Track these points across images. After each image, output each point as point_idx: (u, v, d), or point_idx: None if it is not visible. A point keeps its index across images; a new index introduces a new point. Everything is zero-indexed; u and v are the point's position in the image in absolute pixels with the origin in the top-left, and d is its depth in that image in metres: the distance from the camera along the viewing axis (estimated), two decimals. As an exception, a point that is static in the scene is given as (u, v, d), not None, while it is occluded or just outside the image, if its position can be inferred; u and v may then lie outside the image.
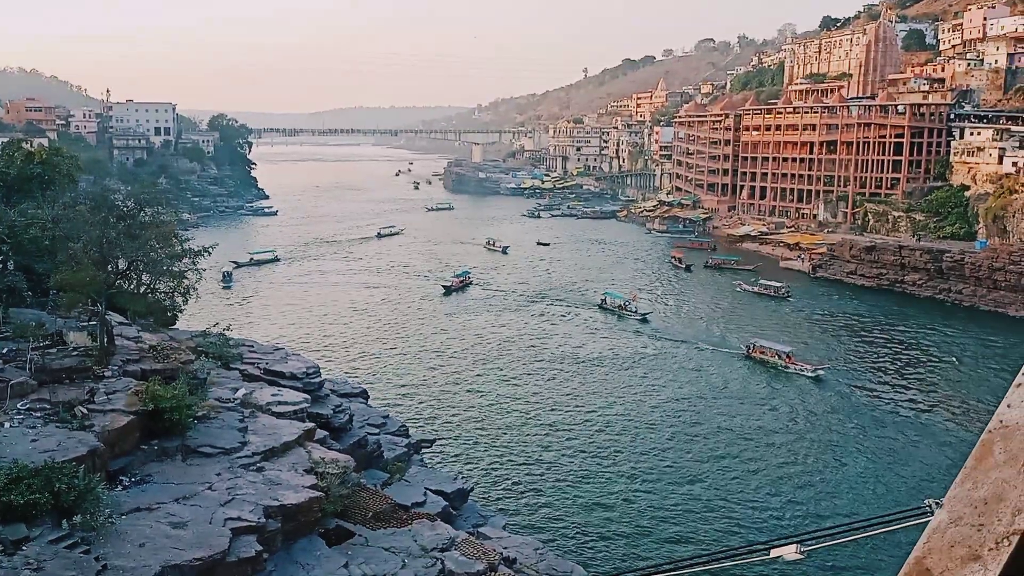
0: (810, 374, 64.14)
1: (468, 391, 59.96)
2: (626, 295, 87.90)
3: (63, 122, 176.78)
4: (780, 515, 41.61)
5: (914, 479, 45.72)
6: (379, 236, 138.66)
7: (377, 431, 38.30)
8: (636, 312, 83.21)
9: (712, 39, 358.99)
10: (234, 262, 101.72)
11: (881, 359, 70.34)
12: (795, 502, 43.27)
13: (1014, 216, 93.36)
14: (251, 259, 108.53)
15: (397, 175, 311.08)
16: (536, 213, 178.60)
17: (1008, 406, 2.54)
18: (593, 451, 49.32)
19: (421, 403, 57.29)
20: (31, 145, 53.13)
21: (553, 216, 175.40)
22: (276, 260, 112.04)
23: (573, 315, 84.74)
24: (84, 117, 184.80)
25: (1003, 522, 2.26)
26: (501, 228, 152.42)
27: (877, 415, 56.60)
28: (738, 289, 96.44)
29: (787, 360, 66.04)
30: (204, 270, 39.25)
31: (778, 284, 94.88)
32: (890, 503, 40.40)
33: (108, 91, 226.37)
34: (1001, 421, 2.50)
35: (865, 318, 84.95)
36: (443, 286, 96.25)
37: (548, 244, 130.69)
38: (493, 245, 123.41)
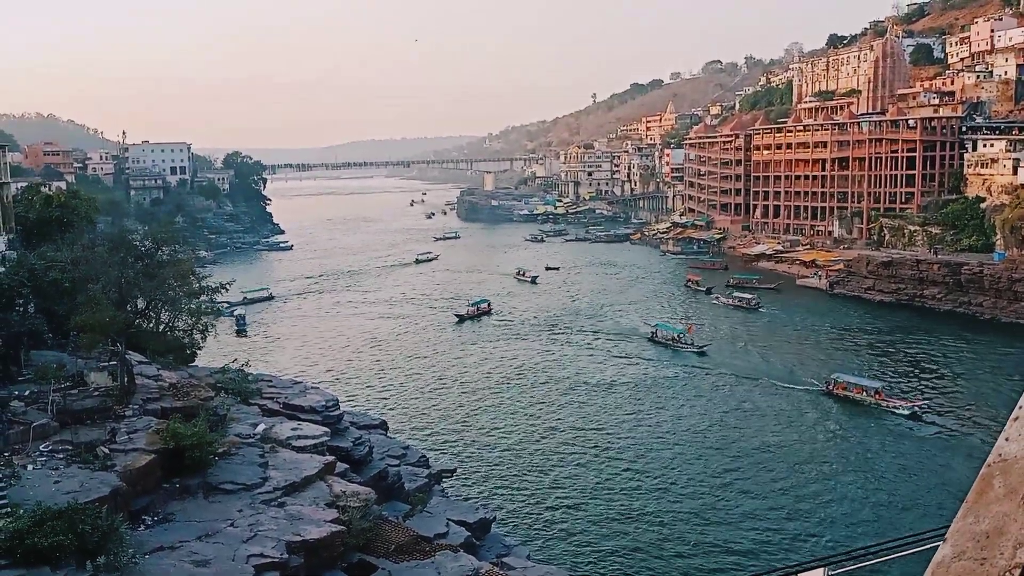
0: (904, 412, 58.17)
1: (490, 421, 59.66)
2: (680, 326, 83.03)
3: (80, 165, 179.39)
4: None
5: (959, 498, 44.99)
6: (416, 262, 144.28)
7: (397, 462, 38.19)
8: (692, 345, 77.70)
9: (719, 60, 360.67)
10: (228, 303, 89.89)
11: (906, 377, 69.52)
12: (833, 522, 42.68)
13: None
14: (244, 298, 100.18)
15: (411, 205, 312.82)
16: (540, 238, 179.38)
17: (1007, 439, 2.55)
18: (637, 487, 48.01)
19: (441, 433, 57.12)
20: (49, 189, 53.94)
21: (566, 241, 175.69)
22: (271, 299, 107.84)
23: (618, 348, 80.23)
24: (101, 159, 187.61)
25: (1005, 556, 2.27)
26: (509, 255, 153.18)
27: (921, 435, 55.34)
28: (714, 302, 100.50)
29: (877, 397, 60.27)
30: (225, 306, 39.51)
31: (749, 296, 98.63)
32: (924, 523, 39.73)
33: (124, 133, 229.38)
34: (1000, 455, 2.51)
35: (886, 334, 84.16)
36: (456, 315, 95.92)
37: (557, 268, 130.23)
38: (523, 275, 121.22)
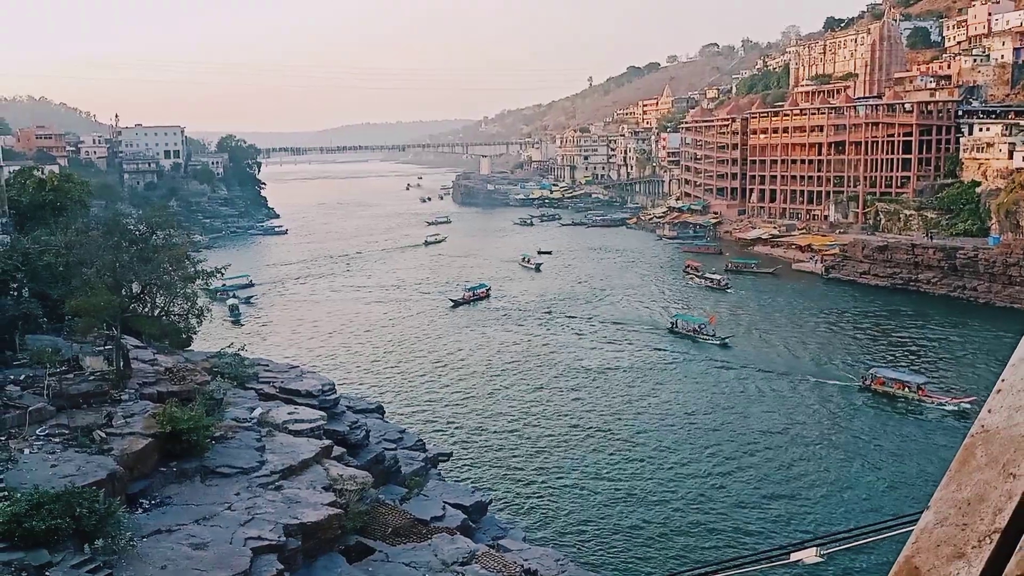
0: (952, 408, 55.17)
1: (487, 406, 59.76)
2: (702, 317, 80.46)
3: (73, 148, 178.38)
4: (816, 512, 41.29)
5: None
6: (426, 243, 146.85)
7: (394, 446, 38.36)
8: (714, 336, 75.31)
9: (716, 44, 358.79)
10: (225, 288, 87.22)
11: (903, 359, 69.81)
12: (822, 504, 42.97)
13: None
14: (223, 284, 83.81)
15: (407, 189, 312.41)
16: (529, 221, 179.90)
17: (989, 411, 2.67)
18: (641, 471, 47.79)
19: (438, 417, 57.28)
20: (42, 172, 53.68)
21: (562, 225, 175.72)
22: (250, 285, 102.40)
23: (627, 336, 78.17)
24: (94, 143, 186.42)
25: (985, 521, 2.40)
26: (505, 239, 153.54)
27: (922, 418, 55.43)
28: (689, 282, 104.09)
29: (920, 392, 57.50)
30: (221, 291, 39.37)
31: (719, 276, 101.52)
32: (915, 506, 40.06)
33: (117, 116, 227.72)
34: (983, 426, 2.62)
35: (883, 319, 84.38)
36: (451, 299, 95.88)
37: (550, 253, 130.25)
38: (528, 262, 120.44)
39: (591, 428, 54.54)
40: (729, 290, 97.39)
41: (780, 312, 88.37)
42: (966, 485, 2.43)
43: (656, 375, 66.57)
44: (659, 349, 74.29)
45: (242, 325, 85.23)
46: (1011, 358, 2.73)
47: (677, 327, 78.98)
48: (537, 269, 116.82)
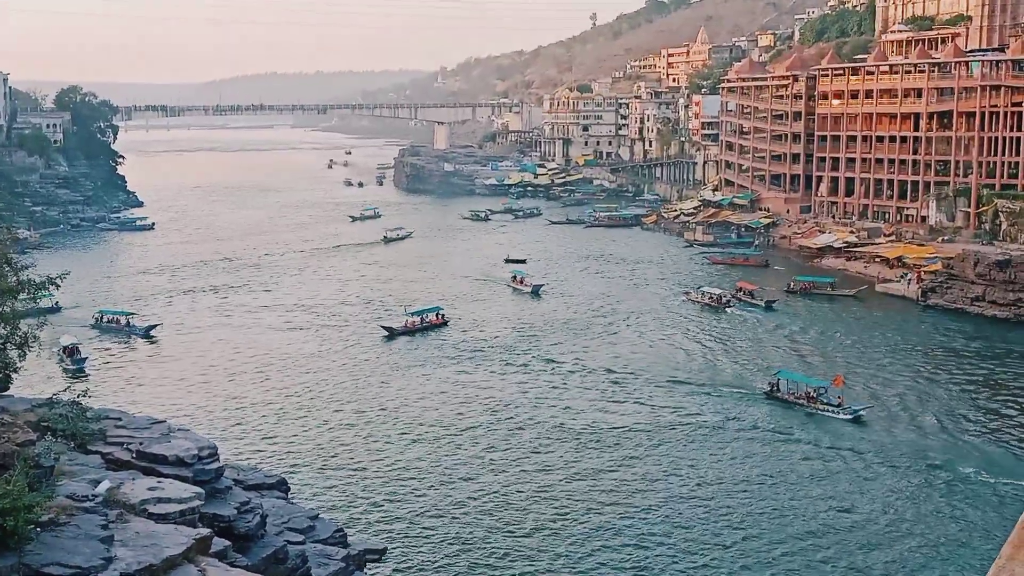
0: None
1: (440, 483, 59.53)
2: (819, 378, 76.16)
3: None
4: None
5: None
6: (386, 240, 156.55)
7: (302, 538, 38.16)
8: (839, 406, 70.79)
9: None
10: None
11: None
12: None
13: None
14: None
15: (330, 167, 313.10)
16: (484, 216, 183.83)
17: None
18: None
19: (365, 498, 57.05)
20: None
21: (552, 223, 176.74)
22: (57, 310, 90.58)
23: (703, 403, 74.12)
24: None
25: None
26: (468, 244, 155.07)
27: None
28: (683, 298, 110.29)
29: None
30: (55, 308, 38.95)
31: (719, 292, 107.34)
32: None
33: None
34: None
35: (1005, 367, 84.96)
36: (384, 328, 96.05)
37: (523, 262, 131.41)
38: (520, 283, 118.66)
39: (608, 527, 54.56)
40: (729, 309, 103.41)
41: (894, 357, 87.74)
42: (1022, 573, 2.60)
43: (756, 476, 60.38)
44: (757, 431, 68.55)
45: (87, 375, 79.13)
46: None
47: (779, 390, 74.99)
48: (535, 294, 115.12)
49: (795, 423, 69.80)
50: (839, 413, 70.17)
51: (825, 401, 71.77)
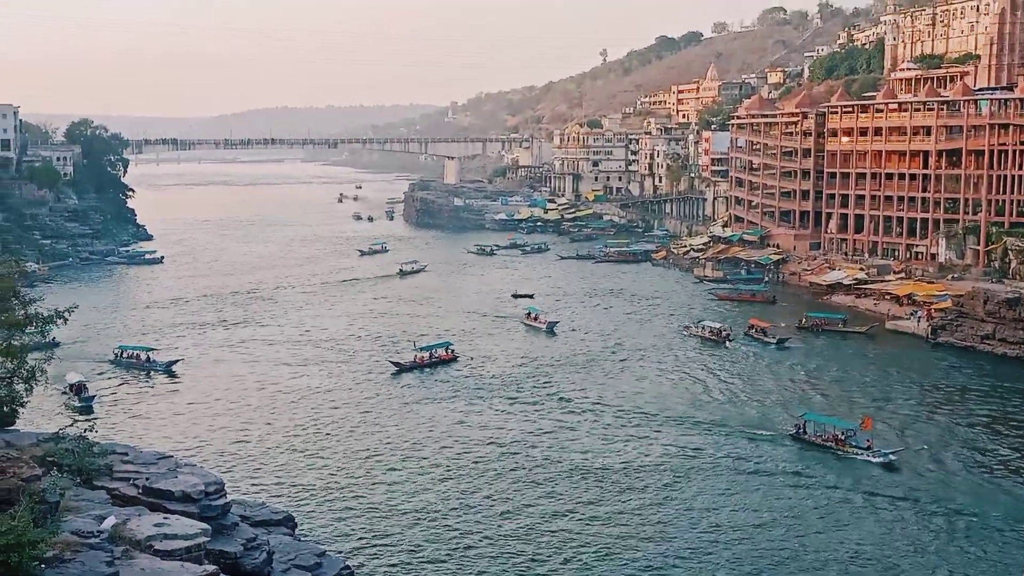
0: None
1: (458, 522, 59.04)
2: (846, 420, 74.52)
3: None
4: None
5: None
6: (401, 274, 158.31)
7: (309, 575, 38.01)
8: (869, 450, 68.97)
9: (783, 8, 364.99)
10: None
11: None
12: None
13: None
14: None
15: (340, 201, 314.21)
16: (489, 250, 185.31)
17: None
18: None
19: (375, 534, 56.79)
20: None
21: (562, 258, 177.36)
22: (55, 345, 78.86)
23: (730, 445, 72.38)
24: None
25: None
26: (477, 279, 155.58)
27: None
28: (684, 333, 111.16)
29: None
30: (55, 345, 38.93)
31: (718, 326, 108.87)
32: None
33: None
34: None
35: (1018, 408, 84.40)
36: (393, 363, 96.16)
37: (531, 296, 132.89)
38: (535, 320, 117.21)
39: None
40: (730, 342, 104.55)
41: (911, 397, 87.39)
42: None
43: (784, 519, 59.11)
44: (786, 475, 66.79)
45: (93, 414, 77.71)
46: None
47: (806, 432, 73.19)
48: (550, 331, 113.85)
49: (824, 467, 68.12)
50: (869, 456, 68.48)
51: (854, 444, 70.04)
